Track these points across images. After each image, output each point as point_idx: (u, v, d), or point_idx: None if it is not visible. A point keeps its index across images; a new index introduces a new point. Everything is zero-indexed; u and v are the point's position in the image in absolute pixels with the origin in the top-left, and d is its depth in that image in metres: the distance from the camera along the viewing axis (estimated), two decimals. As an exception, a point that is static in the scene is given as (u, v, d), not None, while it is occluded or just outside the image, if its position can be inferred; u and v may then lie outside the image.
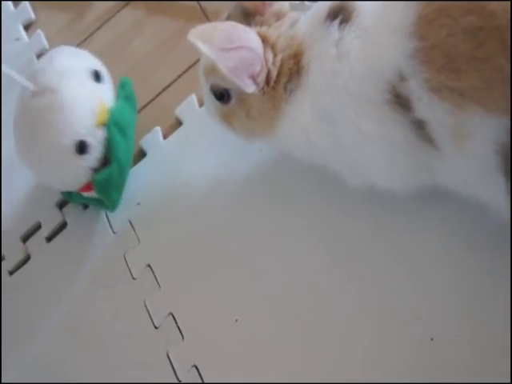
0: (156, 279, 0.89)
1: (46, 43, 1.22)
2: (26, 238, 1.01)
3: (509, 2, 0.57)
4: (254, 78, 0.72)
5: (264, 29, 0.73)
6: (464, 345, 0.72)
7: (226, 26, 0.69)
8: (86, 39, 1.22)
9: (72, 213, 1.00)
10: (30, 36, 1.25)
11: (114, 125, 0.88)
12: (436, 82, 0.61)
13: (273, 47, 0.72)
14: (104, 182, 0.90)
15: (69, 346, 0.91)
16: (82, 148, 0.86)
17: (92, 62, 0.92)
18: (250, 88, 0.72)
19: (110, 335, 0.89)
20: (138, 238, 0.94)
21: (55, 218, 1.00)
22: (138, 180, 0.98)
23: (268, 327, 0.81)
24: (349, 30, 0.68)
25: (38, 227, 1.01)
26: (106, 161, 0.90)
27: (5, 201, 1.03)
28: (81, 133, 0.86)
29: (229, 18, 0.77)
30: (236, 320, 0.83)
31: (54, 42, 1.22)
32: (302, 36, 0.72)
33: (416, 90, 0.62)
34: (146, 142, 1.01)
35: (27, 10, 1.28)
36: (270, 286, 0.83)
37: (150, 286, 0.89)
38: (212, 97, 0.78)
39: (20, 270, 0.98)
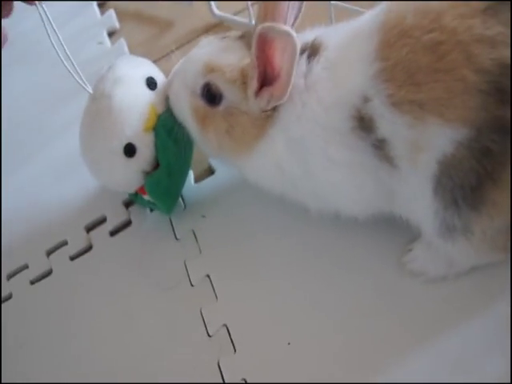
0: (214, 290, 0.90)
1: (127, 52, 1.24)
2: (89, 229, 1.02)
3: (469, 21, 0.61)
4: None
5: None
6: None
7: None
8: (163, 56, 1.25)
9: (137, 213, 1.01)
10: (112, 43, 1.28)
11: (162, 129, 0.87)
12: (397, 97, 0.64)
13: None
14: (152, 185, 0.90)
15: (117, 341, 0.90)
16: (129, 151, 0.87)
17: (150, 69, 0.93)
18: (265, 104, 0.74)
19: (161, 337, 0.88)
20: (200, 249, 0.94)
21: (121, 215, 1.01)
22: (205, 194, 1.00)
23: (320, 356, 0.81)
24: (316, 62, 0.71)
25: (103, 220, 1.01)
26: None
27: (75, 190, 1.04)
28: (128, 136, 0.86)
29: (243, 37, 0.79)
30: (288, 343, 0.83)
31: (134, 53, 1.26)
32: None
33: (379, 107, 0.66)
34: (215, 161, 1.03)
35: (112, 19, 1.32)
36: (328, 314, 0.83)
37: (208, 296, 0.90)
38: (196, 92, 0.79)
39: (81, 258, 0.99)
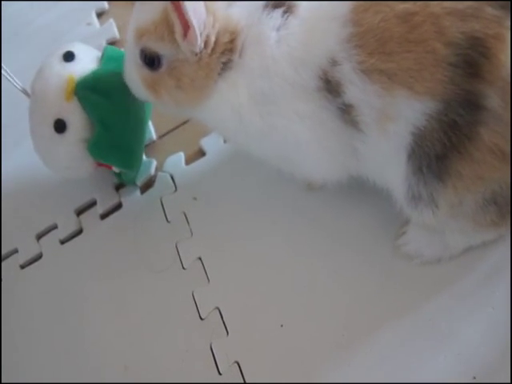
0: (206, 273, 0.88)
1: (117, 33, 1.21)
2: (80, 212, 0.99)
3: None
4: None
5: None
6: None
7: None
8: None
9: (128, 196, 0.98)
10: (101, 24, 1.25)
11: (82, 89, 0.85)
12: (368, 65, 0.63)
13: (213, 15, 0.70)
14: (93, 146, 0.87)
15: (109, 325, 0.89)
16: (60, 126, 0.85)
17: (68, 46, 0.90)
18: (196, 46, 0.70)
19: (153, 320, 0.87)
20: (191, 231, 0.92)
21: (111, 198, 0.98)
22: (197, 176, 0.97)
23: (313, 338, 0.79)
24: (290, 18, 0.69)
25: (93, 203, 0.99)
26: None
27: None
28: (53, 112, 0.84)
29: None
30: (281, 325, 0.82)
31: (123, 35, 1.23)
32: (238, 17, 0.71)
33: (348, 72, 0.65)
34: (206, 142, 1.01)
35: (101, -1, 1.28)
36: (322, 296, 0.82)
37: (199, 279, 0.88)
38: (138, 62, 0.76)
39: (71, 241, 0.96)
